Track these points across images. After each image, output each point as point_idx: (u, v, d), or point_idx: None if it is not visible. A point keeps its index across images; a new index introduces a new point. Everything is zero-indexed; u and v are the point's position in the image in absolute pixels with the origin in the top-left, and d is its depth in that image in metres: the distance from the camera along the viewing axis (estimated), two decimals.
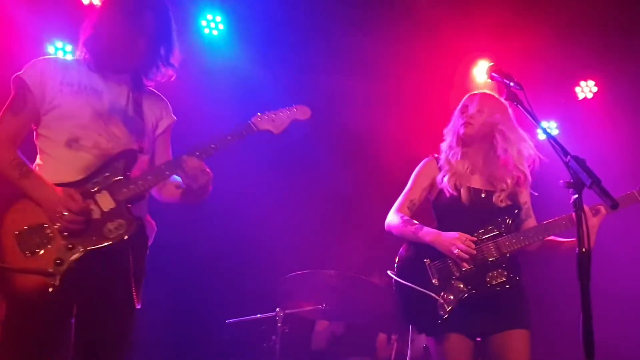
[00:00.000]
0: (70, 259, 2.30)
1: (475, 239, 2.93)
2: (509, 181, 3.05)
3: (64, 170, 2.40)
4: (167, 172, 2.50)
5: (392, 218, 3.14)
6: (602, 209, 2.88)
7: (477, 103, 3.15)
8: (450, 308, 2.87)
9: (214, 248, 5.05)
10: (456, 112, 3.22)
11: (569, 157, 2.20)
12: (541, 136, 4.98)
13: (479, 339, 3.01)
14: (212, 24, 5.12)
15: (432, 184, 3.18)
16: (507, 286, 2.90)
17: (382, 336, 4.82)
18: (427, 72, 5.22)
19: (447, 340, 2.91)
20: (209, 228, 5.02)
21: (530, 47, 4.99)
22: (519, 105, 2.52)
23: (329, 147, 5.31)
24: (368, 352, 4.74)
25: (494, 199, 3.02)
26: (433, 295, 2.89)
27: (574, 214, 2.49)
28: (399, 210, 3.14)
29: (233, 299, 4.87)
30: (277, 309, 4.16)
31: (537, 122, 2.46)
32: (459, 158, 3.10)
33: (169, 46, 2.56)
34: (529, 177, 3.11)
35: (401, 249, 3.14)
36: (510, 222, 2.99)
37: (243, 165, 4.69)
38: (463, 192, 3.01)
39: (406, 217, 3.08)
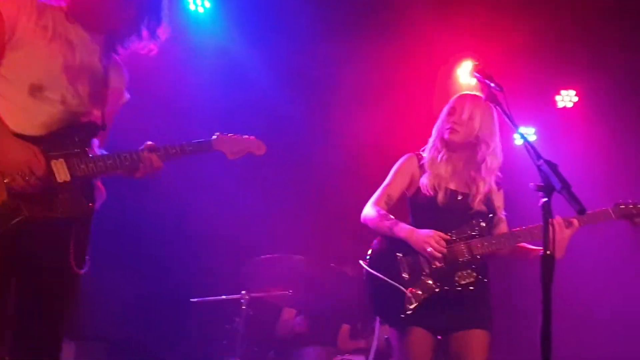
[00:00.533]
0: (11, 222, 2.15)
1: (448, 237, 2.97)
2: (485, 186, 3.08)
3: (24, 120, 2.23)
4: (127, 164, 2.42)
5: (369, 211, 3.16)
6: (575, 222, 2.92)
7: (467, 109, 3.11)
8: (417, 303, 2.92)
9: (184, 226, 5.02)
10: (444, 112, 3.20)
11: (541, 160, 2.22)
12: (518, 141, 5.09)
13: (439, 337, 3.05)
14: (199, 1, 5.06)
15: (411, 181, 3.20)
16: (475, 287, 2.95)
17: (345, 327, 4.85)
18: (410, 70, 5.23)
19: (410, 333, 2.96)
20: (180, 206, 5.00)
21: (514, 52, 5.02)
22: (497, 107, 2.54)
23: (310, 136, 5.30)
24: (331, 342, 4.76)
25: (469, 201, 3.06)
26: (402, 288, 2.94)
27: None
28: (376, 203, 3.17)
29: (200, 279, 4.86)
30: (243, 292, 4.16)
31: (515, 125, 2.47)
32: (442, 160, 3.12)
33: (156, 17, 2.46)
34: (498, 187, 3.16)
35: (375, 241, 3.18)
36: (484, 225, 3.03)
37: None
38: (441, 193, 3.05)
39: (382, 212, 3.11)
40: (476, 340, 2.97)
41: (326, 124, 5.43)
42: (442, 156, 3.12)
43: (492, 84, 2.55)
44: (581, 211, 2.13)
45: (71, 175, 2.27)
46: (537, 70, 5.35)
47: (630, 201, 3.00)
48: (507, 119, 2.50)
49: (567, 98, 5.67)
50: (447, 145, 3.13)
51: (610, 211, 2.97)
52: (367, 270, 3.07)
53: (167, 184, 4.22)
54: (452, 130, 3.09)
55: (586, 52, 5.23)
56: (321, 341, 4.70)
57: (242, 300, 4.14)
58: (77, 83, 2.33)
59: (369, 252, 3.16)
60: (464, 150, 3.13)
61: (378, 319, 3.28)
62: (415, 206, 3.18)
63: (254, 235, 4.95)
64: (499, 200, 3.16)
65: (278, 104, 5.20)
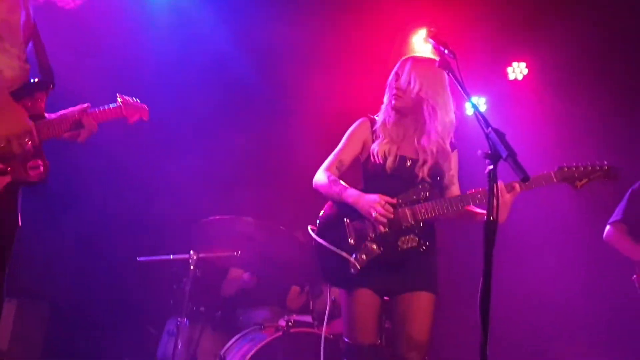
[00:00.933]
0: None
1: (394, 202, 3.01)
2: (434, 150, 3.11)
3: None
4: (72, 129, 2.51)
5: (320, 177, 3.19)
6: (517, 186, 2.95)
7: (407, 73, 3.13)
8: (360, 267, 2.99)
9: (133, 186, 4.94)
10: (390, 79, 3.23)
11: (489, 128, 2.26)
12: (469, 111, 5.17)
13: (386, 298, 3.12)
14: None
15: (364, 146, 3.22)
16: (418, 250, 3.02)
17: (294, 289, 4.89)
18: (367, 38, 5.21)
19: (357, 294, 3.04)
20: (128, 166, 4.91)
21: (468, 22, 5.06)
22: (450, 74, 2.56)
23: (265, 99, 5.24)
24: (278, 302, 4.81)
25: (417, 167, 3.10)
26: (346, 255, 3.01)
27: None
28: (327, 169, 3.19)
29: (147, 239, 4.81)
30: (191, 252, 4.14)
31: (467, 93, 2.49)
32: (392, 125, 3.15)
33: None
34: (452, 149, 3.17)
35: (326, 206, 3.22)
36: (430, 190, 3.07)
37: (172, 103, 4.58)
38: (390, 159, 3.09)
39: (333, 177, 3.14)
40: (421, 302, 3.03)
41: (282, 88, 5.38)
42: (392, 122, 3.16)
43: (446, 51, 2.59)
44: (525, 179, 2.19)
45: (38, 138, 2.32)
46: (490, 41, 5.41)
47: (573, 164, 3.04)
48: (459, 87, 2.53)
49: (517, 70, 5.76)
50: (395, 111, 3.16)
51: (553, 174, 3.02)
52: (314, 237, 3.12)
53: (113, 142, 4.14)
54: (396, 97, 3.14)
55: (539, 26, 5.31)
56: (270, 302, 4.74)
57: (190, 261, 4.12)
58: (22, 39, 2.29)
59: (319, 216, 3.20)
60: (414, 114, 3.16)
61: (324, 281, 3.33)
62: (366, 172, 3.21)
63: (204, 195, 4.91)
64: (450, 164, 3.18)
65: (233, 67, 5.12)
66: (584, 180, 3.03)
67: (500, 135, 2.25)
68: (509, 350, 5.12)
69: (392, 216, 2.98)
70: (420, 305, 3.03)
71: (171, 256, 4.25)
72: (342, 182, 3.13)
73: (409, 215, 3.01)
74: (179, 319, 4.11)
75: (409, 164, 3.12)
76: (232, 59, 5.12)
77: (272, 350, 3.84)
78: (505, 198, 2.93)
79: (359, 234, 3.05)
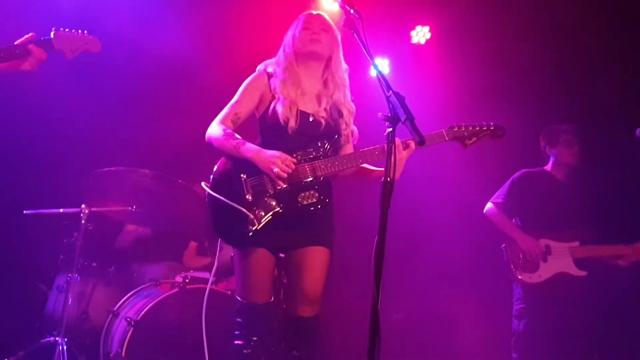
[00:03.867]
0: None
1: (294, 160, 2.98)
2: (333, 105, 3.14)
3: None
4: (17, 52, 2.68)
5: (214, 129, 3.08)
6: (412, 144, 3.03)
7: (323, 23, 3.17)
8: (259, 224, 2.95)
9: (20, 131, 4.63)
10: (297, 29, 3.18)
11: (390, 92, 2.31)
12: (372, 72, 5.22)
13: (282, 255, 3.14)
14: None
15: (261, 99, 3.16)
16: (317, 207, 3.02)
17: (192, 244, 4.84)
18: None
19: (252, 253, 3.00)
20: (18, 114, 4.60)
21: None
22: (355, 34, 2.58)
23: (170, 48, 5.02)
24: (176, 258, 4.74)
25: (317, 123, 3.10)
26: (244, 210, 2.94)
27: (384, 145, 2.72)
28: (222, 122, 3.09)
29: (35, 191, 4.56)
30: (83, 206, 3.98)
31: (370, 55, 2.53)
32: (292, 81, 3.11)
33: None
34: (352, 109, 3.23)
35: (219, 162, 3.13)
36: (328, 146, 3.07)
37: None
38: (292, 115, 3.05)
39: (229, 131, 3.04)
40: (316, 257, 3.05)
41: (188, 35, 5.17)
42: (291, 77, 3.12)
43: (352, 11, 2.60)
44: (421, 142, 2.29)
45: None
46: (394, 4, 5.45)
47: (462, 124, 3.20)
48: (362, 48, 2.55)
49: (421, 34, 5.85)
50: (304, 59, 3.14)
51: (444, 133, 3.15)
52: (209, 192, 3.03)
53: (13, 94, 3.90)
54: (315, 41, 3.12)
55: None
56: (166, 258, 4.67)
57: (81, 215, 3.96)
58: None
59: (213, 172, 3.11)
60: (318, 66, 3.18)
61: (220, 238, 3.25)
62: (264, 126, 3.15)
63: (97, 146, 4.70)
64: (347, 121, 3.21)
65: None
66: (473, 139, 3.19)
67: (400, 98, 2.31)
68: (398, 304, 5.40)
69: (291, 172, 2.95)
70: (314, 260, 3.04)
71: (61, 210, 4.07)
72: (238, 136, 3.05)
73: (308, 171, 3.00)
74: (69, 274, 3.97)
75: (311, 119, 3.10)
76: None
77: (167, 307, 3.81)
78: (402, 155, 3.00)
79: (257, 190, 2.99)
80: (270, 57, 3.28)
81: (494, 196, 4.66)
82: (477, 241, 5.04)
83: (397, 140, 2.89)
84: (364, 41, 2.55)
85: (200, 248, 4.68)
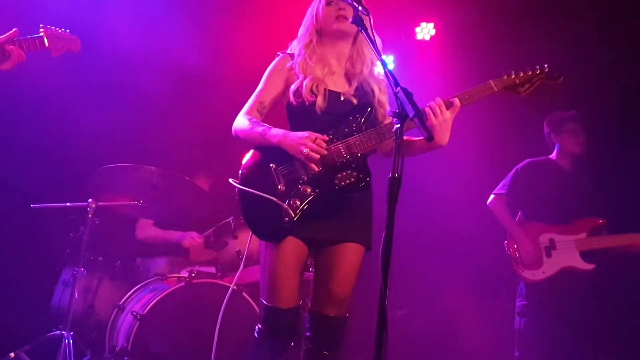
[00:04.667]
0: None
1: (326, 138, 2.70)
2: (360, 85, 2.89)
3: None
4: None
5: (240, 121, 2.86)
6: (457, 101, 2.70)
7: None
8: (295, 215, 2.70)
9: (31, 129, 4.66)
10: (319, 4, 2.92)
11: (398, 88, 2.30)
12: (379, 68, 5.20)
13: (312, 249, 2.86)
14: None
15: (287, 84, 2.91)
16: (358, 186, 2.73)
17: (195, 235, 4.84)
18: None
19: (285, 247, 2.75)
20: (27, 108, 4.62)
21: None
22: (362, 32, 2.57)
23: (174, 43, 5.02)
24: (182, 252, 4.75)
25: (349, 102, 2.84)
26: (277, 201, 2.70)
27: (426, 108, 2.61)
28: (247, 113, 2.88)
29: (42, 185, 4.57)
30: (90, 200, 4.00)
31: (378, 52, 2.50)
32: (317, 57, 2.87)
33: None
34: (383, 85, 2.93)
35: (248, 154, 2.89)
36: (362, 120, 2.77)
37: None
38: (320, 95, 2.80)
39: (254, 120, 2.83)
40: (350, 256, 2.81)
41: (191, 33, 5.18)
42: (315, 54, 2.88)
43: (360, 7, 2.58)
44: (429, 139, 2.25)
45: None
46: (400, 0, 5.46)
47: (512, 70, 2.82)
48: (370, 45, 2.54)
49: (425, 30, 5.85)
50: (331, 37, 2.89)
51: (492, 84, 2.77)
52: (238, 187, 2.80)
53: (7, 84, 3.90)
54: (341, 17, 2.83)
55: None
56: (171, 251, 4.69)
57: (88, 209, 3.99)
58: None
59: (241, 166, 2.88)
60: (340, 46, 2.92)
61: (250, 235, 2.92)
62: (291, 113, 2.91)
63: (104, 143, 4.72)
64: (379, 98, 2.91)
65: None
66: (527, 87, 2.81)
67: (408, 94, 2.30)
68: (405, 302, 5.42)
69: (325, 152, 2.67)
70: (348, 260, 2.80)
71: (68, 203, 4.09)
72: (265, 124, 2.81)
73: (343, 150, 2.71)
74: (75, 268, 4.00)
75: (342, 99, 2.84)
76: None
77: (174, 301, 3.82)
78: (446, 115, 2.67)
79: (289, 177, 2.74)
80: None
81: (498, 187, 4.53)
82: (482, 238, 5.02)
83: (439, 100, 2.68)
84: (372, 38, 2.53)
85: (206, 242, 4.70)
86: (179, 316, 3.80)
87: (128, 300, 4.06)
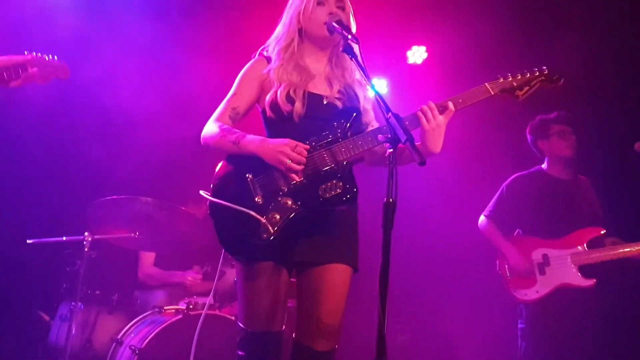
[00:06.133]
0: None
1: (307, 147, 2.50)
2: (343, 88, 2.70)
3: None
4: None
5: (210, 128, 2.63)
6: (451, 105, 2.56)
7: None
8: (274, 231, 2.44)
9: (25, 164, 4.66)
10: (307, 5, 2.70)
11: (389, 114, 2.31)
12: (370, 94, 5.24)
13: (293, 279, 2.67)
14: None
15: (262, 88, 2.70)
16: (344, 198, 2.49)
17: (196, 268, 4.82)
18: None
19: (263, 268, 2.53)
20: (22, 142, 4.63)
21: (369, 5, 5.09)
22: (353, 59, 2.57)
23: (153, 79, 5.05)
24: (179, 284, 4.71)
25: (332, 106, 2.64)
26: (254, 214, 2.44)
27: (417, 112, 2.50)
28: (218, 119, 2.65)
29: (38, 219, 4.56)
30: (86, 233, 3.98)
31: (368, 79, 2.49)
32: (294, 63, 2.67)
33: None
34: (366, 89, 2.76)
35: (219, 164, 2.67)
36: (348, 125, 2.56)
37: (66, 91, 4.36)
38: (298, 101, 2.59)
39: (226, 126, 2.60)
40: (338, 279, 2.57)
41: (187, 62, 5.22)
42: (293, 58, 2.68)
43: (350, 36, 2.57)
44: (422, 163, 2.20)
45: None
46: (391, 24, 5.50)
47: (509, 73, 2.67)
48: (361, 72, 2.54)
49: (417, 54, 5.90)
50: (310, 39, 2.71)
51: (488, 87, 2.62)
52: (210, 200, 2.55)
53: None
54: (334, 14, 2.64)
55: (439, 11, 5.46)
56: (169, 283, 4.65)
57: (84, 242, 3.97)
58: None
59: (213, 177, 2.64)
60: (321, 47, 2.75)
61: (223, 256, 2.86)
62: (269, 120, 2.68)
63: (100, 176, 4.72)
64: (367, 101, 2.74)
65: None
66: (525, 89, 2.65)
67: (400, 119, 2.30)
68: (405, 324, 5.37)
69: (305, 160, 2.46)
70: (335, 283, 2.55)
71: (64, 237, 4.07)
72: (237, 130, 2.59)
73: (327, 157, 2.50)
74: (72, 303, 3.97)
75: (325, 102, 2.65)
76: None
77: (172, 334, 3.78)
78: (439, 120, 2.52)
79: (268, 189, 2.50)
80: None
81: (487, 207, 4.31)
82: (482, 260, 4.97)
83: (431, 103, 2.54)
84: (363, 65, 2.53)
85: (203, 273, 4.67)
86: (178, 349, 3.74)
87: (126, 334, 4.01)
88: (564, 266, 3.95)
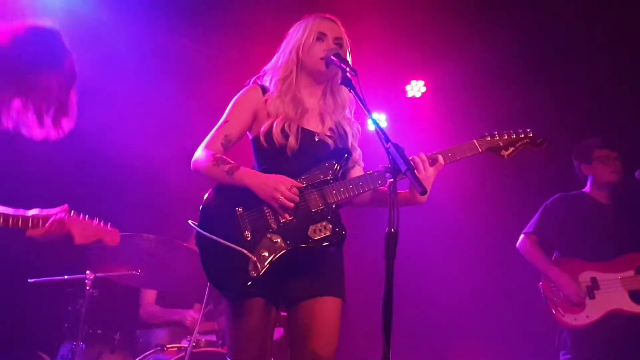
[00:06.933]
0: None
1: (301, 185, 2.52)
2: (334, 125, 2.74)
3: None
4: None
5: (201, 155, 2.60)
6: (440, 158, 2.64)
7: (337, 35, 2.75)
8: (263, 268, 2.42)
9: (21, 200, 4.66)
10: (307, 36, 2.73)
11: (389, 144, 2.33)
12: (370, 127, 5.29)
13: (283, 313, 2.71)
14: None
15: (255, 117, 2.69)
16: (333, 241, 2.51)
17: (197, 307, 4.78)
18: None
19: (251, 306, 2.51)
20: (19, 181, 4.63)
21: (367, 40, 5.17)
22: (352, 91, 2.60)
23: (153, 115, 5.10)
24: (180, 322, 4.66)
25: (323, 143, 2.67)
26: (244, 251, 2.42)
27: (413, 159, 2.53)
28: (209, 146, 2.62)
29: (40, 259, 4.54)
30: (87, 272, 3.96)
31: (368, 110, 2.51)
32: (291, 95, 2.69)
33: None
34: (356, 128, 2.83)
35: (208, 194, 2.61)
36: (338, 167, 2.60)
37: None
38: (292, 136, 2.61)
39: (218, 155, 2.58)
40: (329, 311, 2.57)
41: (168, 103, 5.27)
42: (290, 90, 2.70)
43: (348, 69, 2.60)
44: (422, 192, 2.26)
45: None
46: (389, 58, 5.58)
47: (495, 132, 2.76)
48: (360, 104, 2.55)
49: (415, 88, 5.97)
50: (307, 73, 2.73)
51: (476, 144, 2.70)
52: (198, 231, 2.51)
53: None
54: (333, 49, 2.66)
55: (434, 45, 5.54)
56: (170, 322, 4.61)
57: (86, 281, 3.95)
58: None
59: (201, 207, 2.60)
60: (317, 82, 2.78)
61: (208, 290, 2.86)
62: (260, 150, 2.67)
63: (99, 212, 4.71)
64: (354, 139, 2.79)
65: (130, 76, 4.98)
66: (510, 150, 2.74)
67: (400, 149, 2.32)
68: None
69: (298, 200, 2.48)
70: (327, 316, 2.55)
71: (65, 276, 4.05)
72: (231, 161, 2.58)
73: (318, 198, 2.52)
74: (74, 342, 3.92)
75: (316, 139, 2.67)
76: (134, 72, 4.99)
77: None
78: (429, 172, 2.59)
79: (257, 225, 2.48)
80: None
81: (527, 226, 4.10)
82: (490, 288, 4.91)
83: (422, 155, 2.62)
84: (361, 97, 2.56)
85: (207, 314, 4.62)
86: None
87: None
88: (614, 290, 3.80)
